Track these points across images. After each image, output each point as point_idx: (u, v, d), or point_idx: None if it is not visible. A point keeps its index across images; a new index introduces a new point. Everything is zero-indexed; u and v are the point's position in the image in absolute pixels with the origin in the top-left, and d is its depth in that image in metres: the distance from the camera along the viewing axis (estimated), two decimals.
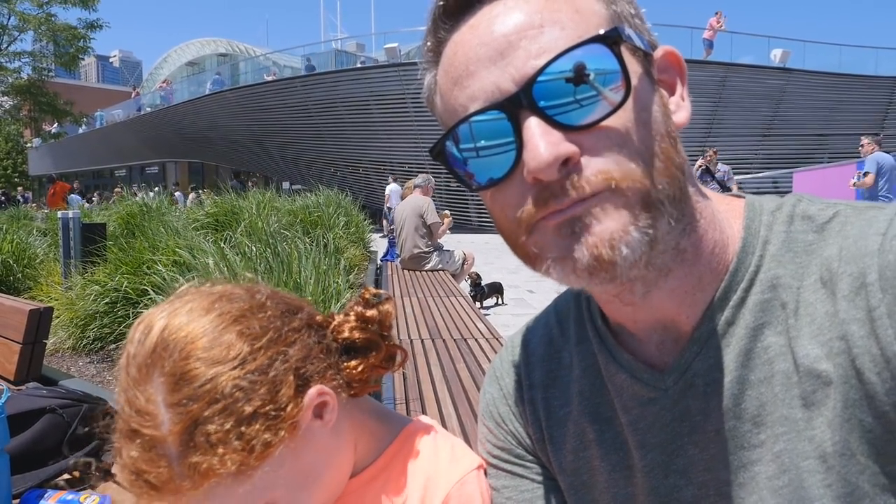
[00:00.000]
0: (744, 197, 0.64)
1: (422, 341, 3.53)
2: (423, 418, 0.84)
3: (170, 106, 32.08)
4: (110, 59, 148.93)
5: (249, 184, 15.93)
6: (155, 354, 0.61)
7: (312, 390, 0.66)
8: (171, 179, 41.07)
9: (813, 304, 0.54)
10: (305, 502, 0.68)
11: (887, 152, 9.64)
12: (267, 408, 0.61)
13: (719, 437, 0.58)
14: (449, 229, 7.44)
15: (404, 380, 2.75)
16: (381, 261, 8.09)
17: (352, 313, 0.77)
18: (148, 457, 0.59)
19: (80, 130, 40.08)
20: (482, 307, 7.00)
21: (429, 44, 0.60)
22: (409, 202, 7.10)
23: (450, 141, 0.56)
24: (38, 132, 33.87)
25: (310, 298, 3.47)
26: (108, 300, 4.53)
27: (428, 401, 2.49)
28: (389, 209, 16.95)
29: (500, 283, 7.41)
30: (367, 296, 0.79)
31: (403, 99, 20.56)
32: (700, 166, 11.00)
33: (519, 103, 0.51)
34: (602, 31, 0.51)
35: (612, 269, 0.51)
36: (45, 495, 1.67)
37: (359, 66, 24.76)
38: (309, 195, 9.56)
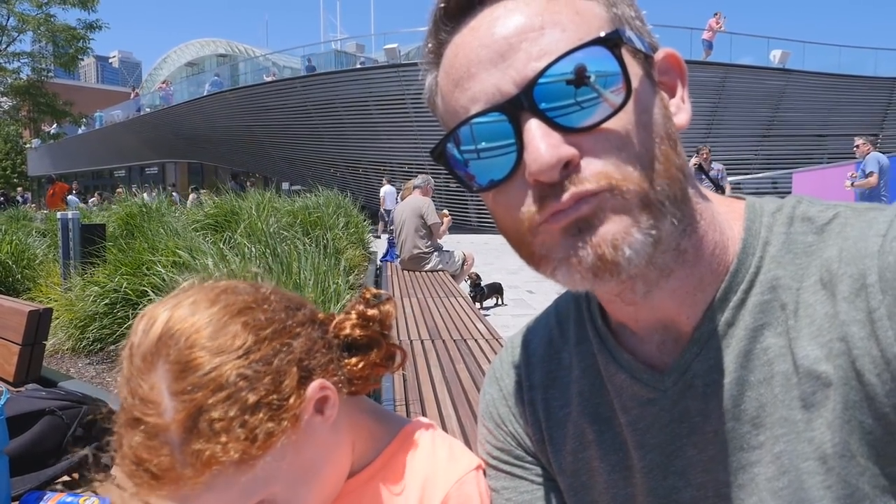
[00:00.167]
0: (743, 199, 0.65)
1: (421, 342, 3.53)
2: (422, 419, 0.84)
3: (169, 106, 32.10)
4: (110, 60, 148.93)
5: (248, 184, 15.91)
6: (160, 343, 0.61)
7: (314, 384, 0.66)
8: (171, 180, 41.11)
9: (813, 306, 0.54)
10: (304, 498, 0.68)
11: (883, 152, 9.65)
12: (270, 398, 0.61)
13: (718, 439, 0.58)
14: (448, 229, 7.44)
15: (404, 381, 2.74)
16: (381, 261, 8.09)
17: (353, 312, 0.77)
18: (150, 445, 0.59)
19: (80, 131, 40.06)
20: (482, 308, 7.00)
21: (430, 45, 0.60)
22: (408, 203, 7.09)
23: (451, 142, 0.56)
24: (38, 133, 33.86)
25: (310, 298, 3.46)
26: (107, 301, 4.53)
27: (428, 402, 2.49)
28: (387, 211, 17.09)
29: (499, 284, 7.41)
30: (367, 296, 0.80)
31: (403, 99, 20.57)
32: (694, 164, 10.99)
33: (520, 105, 0.51)
34: (603, 34, 0.51)
35: (616, 270, 0.51)
36: (45, 497, 1.67)
37: (358, 66, 24.78)
38: (308, 196, 9.56)
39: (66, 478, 1.83)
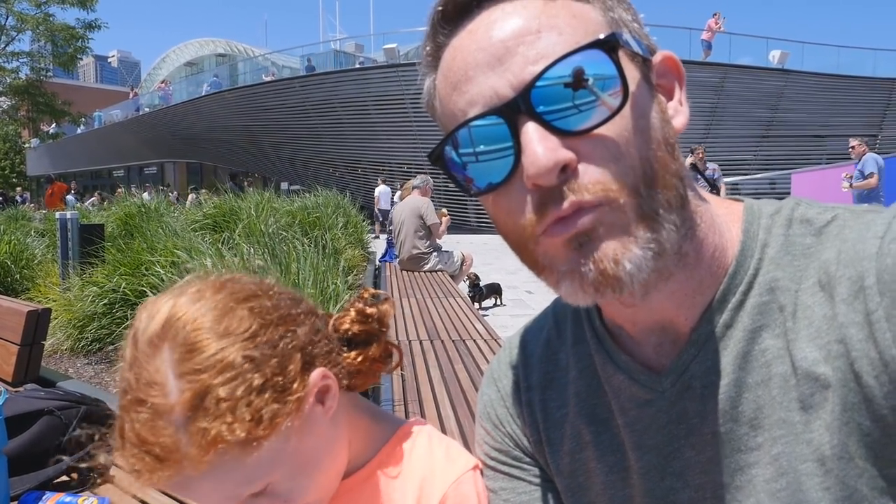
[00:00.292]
0: (741, 200, 0.65)
1: (420, 342, 3.53)
2: (417, 419, 0.84)
3: (168, 106, 32.08)
4: (108, 60, 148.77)
5: (245, 184, 15.88)
6: (166, 326, 0.61)
7: (317, 371, 0.67)
8: (170, 180, 41.06)
9: (811, 308, 0.54)
10: (304, 487, 0.68)
11: (882, 153, 9.64)
12: (276, 380, 0.62)
13: (716, 440, 0.58)
14: (447, 229, 7.44)
15: (403, 381, 2.74)
16: (380, 261, 8.09)
17: (352, 308, 0.78)
18: (154, 426, 0.58)
19: (79, 131, 40.00)
20: (481, 308, 7.00)
21: (428, 49, 0.60)
22: (407, 203, 7.09)
23: (449, 146, 0.56)
24: (36, 132, 33.77)
25: (309, 298, 3.46)
26: (106, 301, 4.53)
27: (426, 402, 2.49)
28: (381, 211, 17.18)
29: (498, 284, 7.42)
30: (366, 296, 0.81)
31: (402, 99, 20.57)
32: (689, 164, 10.99)
33: (517, 108, 0.51)
34: (600, 37, 0.51)
35: (618, 285, 0.51)
36: (44, 497, 1.67)
37: (357, 66, 24.78)
38: (307, 196, 9.56)
39: (64, 478, 1.83)
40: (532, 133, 0.50)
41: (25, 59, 27.55)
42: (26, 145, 50.13)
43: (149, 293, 4.12)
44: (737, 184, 17.99)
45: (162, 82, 39.75)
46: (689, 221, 0.56)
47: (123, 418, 0.61)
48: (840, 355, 0.50)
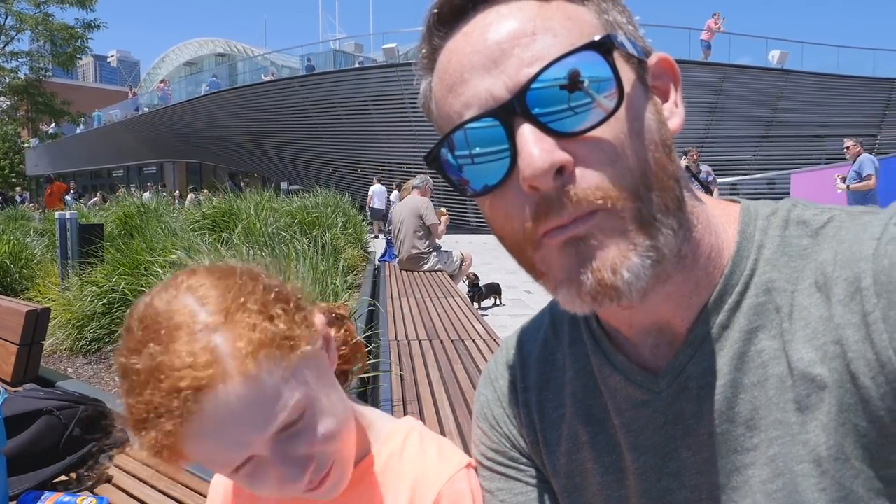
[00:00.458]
0: (738, 202, 0.65)
1: (419, 342, 3.53)
2: (408, 419, 0.84)
3: (167, 106, 32.05)
4: (108, 59, 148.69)
5: (242, 184, 15.86)
6: (186, 287, 0.64)
7: (319, 316, 0.72)
8: (169, 180, 41.04)
9: (807, 309, 0.54)
10: (332, 434, 0.67)
11: (882, 153, 9.62)
12: (297, 299, 0.68)
13: (712, 441, 0.58)
14: (446, 228, 7.44)
15: (402, 381, 2.74)
16: (379, 261, 8.08)
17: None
18: (191, 346, 0.59)
19: (78, 130, 39.96)
20: (480, 308, 7.00)
21: (424, 51, 0.60)
22: (406, 203, 7.09)
23: (445, 148, 0.56)
24: (36, 132, 33.68)
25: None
26: (105, 301, 4.53)
27: (425, 402, 2.49)
28: (372, 209, 17.24)
29: (497, 284, 7.42)
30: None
31: (402, 99, 20.57)
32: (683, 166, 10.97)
33: (512, 110, 0.51)
34: (595, 38, 0.51)
35: (616, 294, 0.51)
36: (42, 497, 1.67)
37: (357, 66, 24.77)
38: (307, 196, 9.56)
39: (63, 477, 1.83)
40: (528, 135, 0.50)
41: (24, 59, 27.50)
42: (25, 145, 50.09)
43: None
44: (736, 184, 18.00)
45: (161, 82, 39.69)
46: (686, 223, 0.56)
47: (156, 355, 0.59)
48: (836, 356, 0.50)
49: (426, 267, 6.81)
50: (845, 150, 9.69)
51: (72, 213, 5.73)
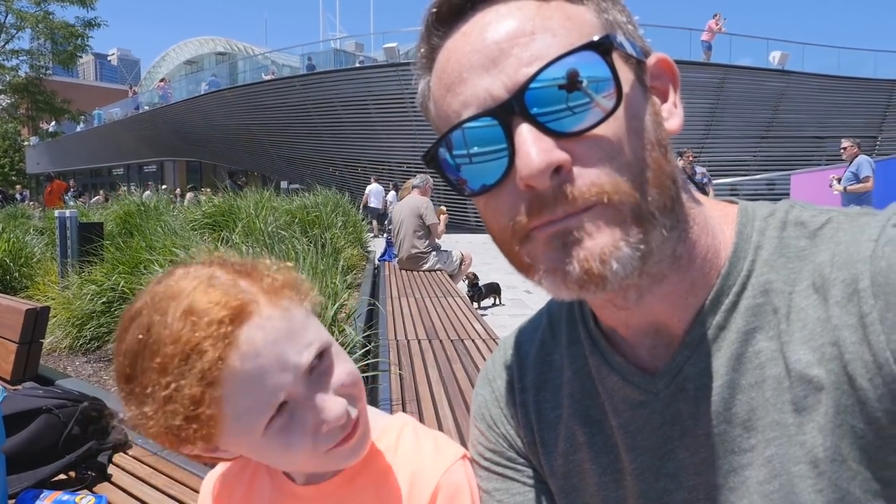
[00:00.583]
0: (736, 203, 0.65)
1: (419, 342, 3.53)
2: (400, 415, 0.85)
3: (168, 104, 32.03)
4: (108, 58, 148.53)
5: (240, 183, 15.84)
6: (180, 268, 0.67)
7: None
8: (170, 179, 41.02)
9: (805, 310, 0.54)
10: (354, 379, 0.70)
11: (882, 155, 9.61)
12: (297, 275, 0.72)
13: (709, 442, 0.58)
14: (446, 227, 7.43)
15: (401, 381, 2.75)
16: (379, 260, 8.08)
17: None
18: (222, 286, 0.62)
19: (78, 129, 39.94)
20: (479, 308, 7.00)
21: (422, 50, 0.60)
22: (406, 203, 7.08)
23: (443, 147, 0.56)
24: (36, 130, 33.68)
25: None
26: (104, 300, 4.53)
27: (424, 402, 2.49)
28: (367, 207, 17.35)
29: (497, 284, 7.41)
30: None
31: (402, 99, 20.56)
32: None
33: (511, 110, 0.51)
34: (594, 38, 0.51)
35: (603, 283, 0.51)
36: (41, 495, 1.67)
37: (357, 65, 24.77)
38: (307, 195, 9.56)
39: (62, 476, 1.83)
40: (526, 134, 0.50)
41: (25, 57, 27.50)
42: (26, 143, 50.07)
43: None
44: (736, 185, 17.99)
45: (161, 80, 39.65)
46: (683, 223, 0.56)
47: (183, 298, 0.61)
48: (834, 358, 0.50)
49: (426, 266, 6.81)
50: (842, 150, 9.68)
51: (72, 211, 5.74)
